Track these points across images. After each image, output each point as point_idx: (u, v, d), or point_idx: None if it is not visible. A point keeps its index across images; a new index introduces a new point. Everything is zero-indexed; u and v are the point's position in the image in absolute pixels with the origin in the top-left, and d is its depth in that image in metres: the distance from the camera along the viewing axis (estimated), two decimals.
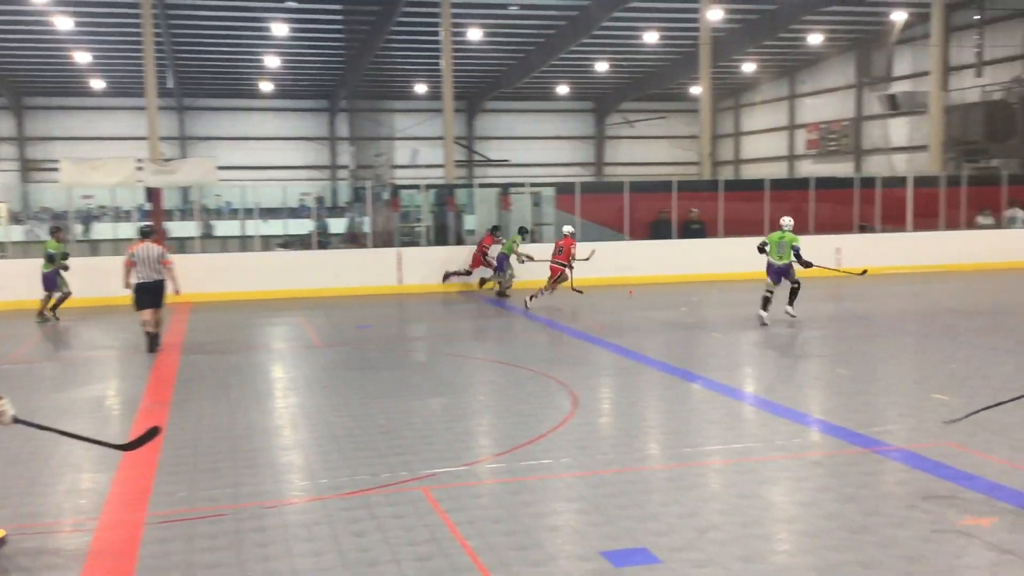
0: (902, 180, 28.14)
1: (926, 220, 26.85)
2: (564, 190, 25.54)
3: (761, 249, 17.47)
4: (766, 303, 17.21)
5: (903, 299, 21.19)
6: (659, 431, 9.72)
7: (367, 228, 25.22)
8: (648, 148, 52.74)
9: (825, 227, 26.24)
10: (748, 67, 44.67)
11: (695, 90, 44.18)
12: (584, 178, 46.11)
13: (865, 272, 19.57)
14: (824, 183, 27.37)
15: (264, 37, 36.81)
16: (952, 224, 27.16)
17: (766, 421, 9.81)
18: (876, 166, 40.91)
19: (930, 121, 31.07)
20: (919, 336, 15.82)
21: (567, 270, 19.95)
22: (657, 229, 25.75)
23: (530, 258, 22.05)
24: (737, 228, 25.71)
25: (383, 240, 24.94)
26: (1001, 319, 17.43)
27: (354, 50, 40.13)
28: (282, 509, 7.40)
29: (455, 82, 31.07)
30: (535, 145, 51.34)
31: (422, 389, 11.80)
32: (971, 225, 27.49)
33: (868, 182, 27.43)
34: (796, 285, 17.57)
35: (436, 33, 31.25)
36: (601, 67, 43.68)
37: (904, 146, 39.99)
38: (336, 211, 36.23)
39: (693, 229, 25.50)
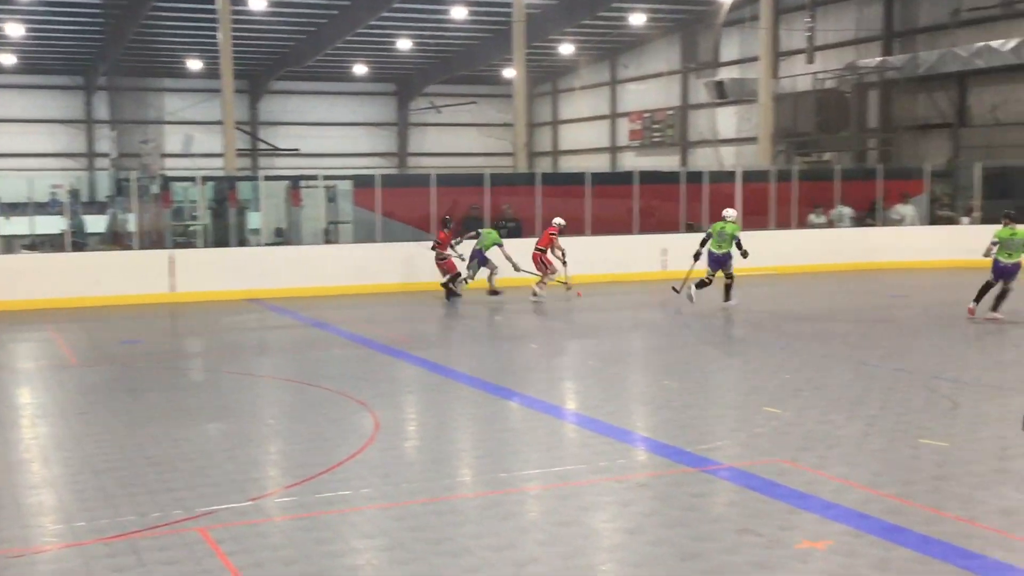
0: (731, 175, 29.32)
1: (756, 218, 27.99)
2: (363, 183, 25.44)
3: (704, 242, 20.00)
4: (702, 285, 20.10)
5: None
6: (471, 455, 9.80)
7: (132, 227, 24.45)
8: (457, 137, 53.16)
9: (651, 226, 27.03)
10: (566, 48, 45.58)
11: (509, 73, 44.87)
12: (386, 170, 46.05)
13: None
14: (649, 177, 28.22)
15: (5, 1, 35.20)
16: (783, 223, 28.41)
17: (588, 441, 10.03)
18: (703, 159, 42.48)
19: (759, 111, 32.49)
20: (749, 344, 16.50)
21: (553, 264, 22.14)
22: (467, 227, 25.93)
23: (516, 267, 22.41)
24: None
25: (152, 241, 24.22)
26: (833, 324, 18.37)
27: (115, 17, 38.82)
28: (31, 559, 7.09)
29: (236, 58, 30.49)
30: (330, 132, 50.96)
31: (199, 413, 11.53)
32: (803, 224, 28.82)
33: (695, 176, 28.43)
34: (730, 280, 20.12)
35: (212, 0, 30.59)
36: (404, 45, 43.72)
37: (732, 138, 41.69)
38: (95, 207, 34.96)
39: (507, 227, 25.83)
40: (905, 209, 29.44)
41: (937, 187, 30.56)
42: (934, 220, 29.75)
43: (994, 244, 18.01)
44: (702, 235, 20.56)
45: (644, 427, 10.73)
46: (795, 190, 28.78)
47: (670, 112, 44.94)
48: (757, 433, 10.10)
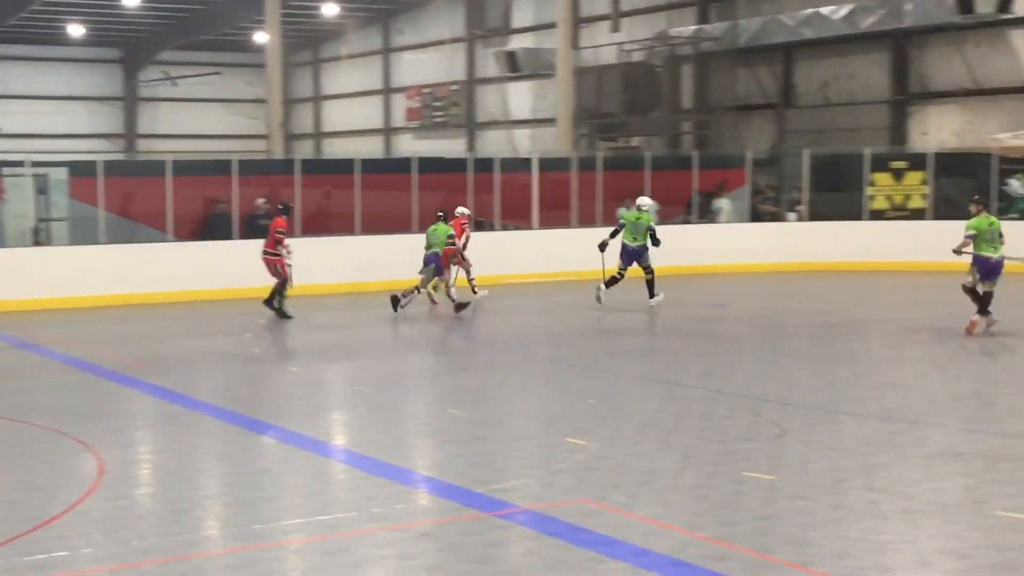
0: (526, 162, 29.75)
1: (556, 214, 28.47)
2: (82, 171, 24.71)
3: (614, 233, 21.45)
4: (612, 283, 21.47)
5: (528, 316, 22.42)
6: (218, 503, 9.64)
7: None
8: (198, 115, 52.27)
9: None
10: (330, 9, 45.35)
11: (260, 38, 44.35)
12: (111, 155, 44.88)
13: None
14: (430, 165, 28.35)
15: None
16: (587, 219, 28.92)
17: (360, 482, 10.02)
18: (494, 144, 42.94)
19: (557, 87, 33.08)
20: (548, 363, 16.80)
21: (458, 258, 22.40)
22: (213, 226, 25.49)
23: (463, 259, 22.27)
24: (320, 223, 26.05)
25: None
26: (644, 339, 18.89)
27: None
28: None
29: None
30: (40, 107, 49.36)
31: None
32: (610, 220, 29.37)
33: (484, 164, 28.71)
34: (649, 275, 21.45)
35: None
36: (129, 1, 42.69)
37: (527, 119, 42.35)
38: None
39: (261, 225, 25.54)
40: (721, 203, 30.44)
41: (760, 177, 31.72)
42: (756, 216, 30.85)
43: (970, 237, 18.36)
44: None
45: (426, 465, 10.78)
46: (600, 181, 29.34)
47: (454, 88, 45.32)
48: (558, 469, 10.28)
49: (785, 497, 9.28)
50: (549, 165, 29.57)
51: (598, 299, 21.32)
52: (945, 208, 29.32)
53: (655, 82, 36.18)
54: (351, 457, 11.00)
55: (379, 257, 25.51)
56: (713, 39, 35.41)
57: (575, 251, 27.42)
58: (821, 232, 29.53)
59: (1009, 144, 30.56)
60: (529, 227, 28.57)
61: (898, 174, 30.28)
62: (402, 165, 28.28)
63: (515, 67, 39.44)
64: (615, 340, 18.77)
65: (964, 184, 30.19)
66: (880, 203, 30.05)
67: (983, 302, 18.02)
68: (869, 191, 29.94)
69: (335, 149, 50.57)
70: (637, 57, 36.75)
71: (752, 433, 11.55)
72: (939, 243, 28.80)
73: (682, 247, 26.94)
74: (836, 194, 30.64)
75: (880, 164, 30.31)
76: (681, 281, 26.87)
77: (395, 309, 20.56)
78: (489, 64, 42.77)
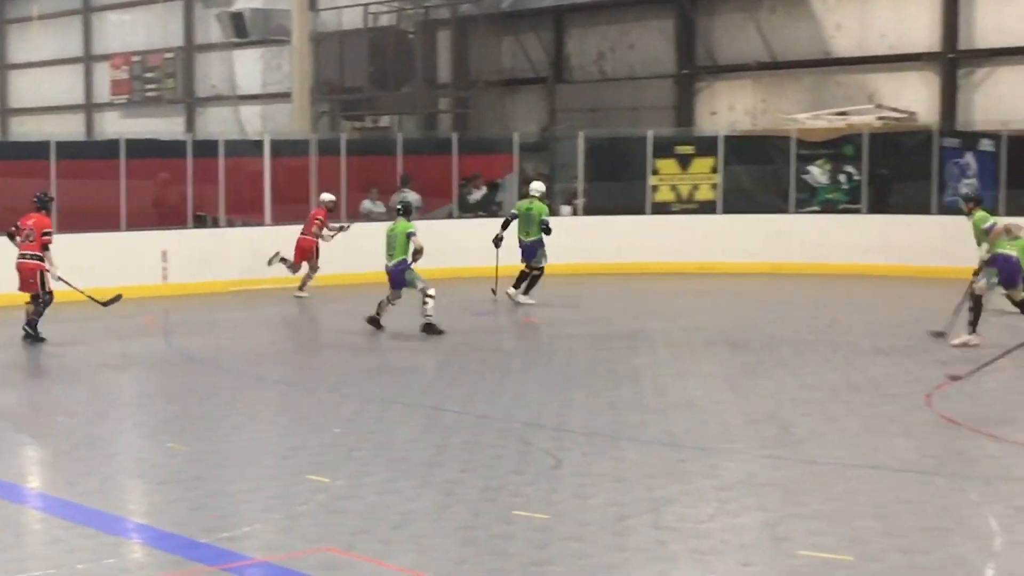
0: (256, 144, 29.40)
1: (291, 207, 28.18)
2: None
3: (505, 224, 22.67)
4: (525, 279, 22.86)
5: (257, 330, 22.30)
6: None
7: None
8: None
9: (141, 217, 26.57)
10: None
11: None
12: None
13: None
14: (141, 148, 27.78)
15: None
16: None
17: (60, 533, 9.81)
18: (218, 123, 42.42)
19: (292, 56, 32.86)
20: (283, 386, 16.75)
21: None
22: None
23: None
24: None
25: None
26: (393, 355, 18.98)
27: None
28: None
29: None
30: None
31: None
32: (354, 213, 29.22)
33: (206, 147, 28.26)
34: (538, 272, 22.87)
35: None
36: None
37: (257, 93, 41.98)
38: None
39: None
40: (476, 196, 30.61)
41: (530, 164, 32.05)
42: None
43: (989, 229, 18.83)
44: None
45: (140, 510, 10.62)
46: (344, 167, 29.16)
47: (169, 56, 44.65)
48: (299, 512, 10.25)
49: (560, 538, 9.45)
50: (284, 149, 29.33)
51: (515, 302, 22.45)
52: (737, 201, 30.21)
53: (407, 51, 36.19)
54: (48, 503, 10.77)
55: (79, 259, 24.89)
56: (473, 1, 35.59)
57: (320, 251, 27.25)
58: (600, 228, 29.91)
59: (809, 125, 31.55)
60: (261, 223, 28.18)
61: (684, 160, 30.98)
62: (107, 149, 27.64)
63: (242, 31, 38.87)
64: (363, 357, 18.79)
65: (758, 172, 31.18)
66: (665, 194, 30.70)
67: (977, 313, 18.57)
68: (652, 180, 30.57)
69: (26, 130, 49.13)
70: (386, 22, 36.71)
71: (523, 465, 11.72)
72: (730, 242, 29.94)
73: (445, 246, 26.93)
74: (616, 184, 31.19)
75: (664, 149, 30.95)
76: (443, 286, 26.92)
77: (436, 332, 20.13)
78: (211, 28, 42.21)
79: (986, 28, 30.56)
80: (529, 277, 23.39)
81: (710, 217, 30.22)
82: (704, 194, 30.61)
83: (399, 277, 20.20)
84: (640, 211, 30.11)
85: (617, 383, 16.05)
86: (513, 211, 23.21)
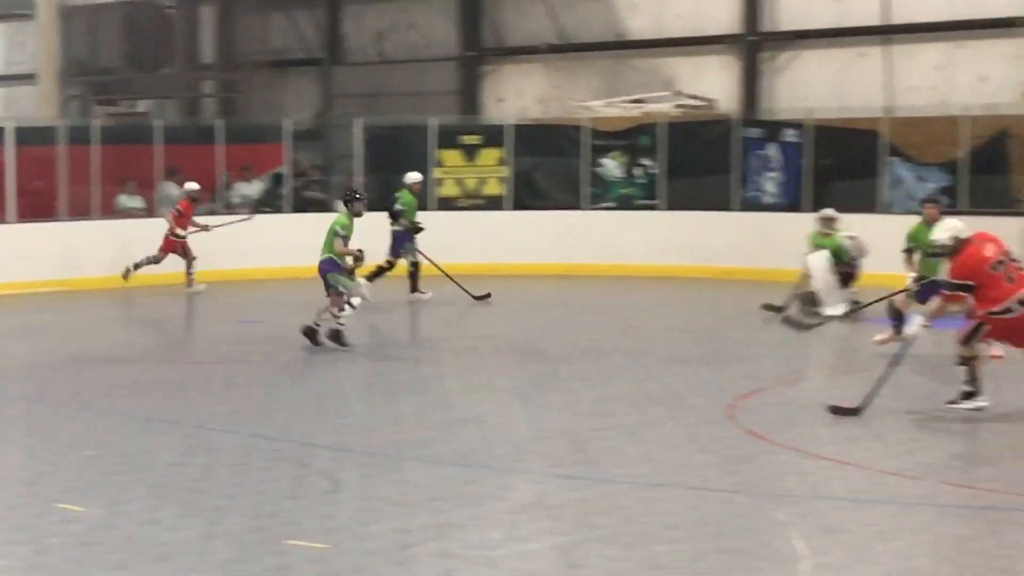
0: None
1: (39, 202, 27.61)
2: None
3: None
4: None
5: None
6: None
7: None
8: None
9: None
10: None
11: None
12: None
13: None
14: None
15: None
16: (79, 209, 28.12)
17: None
18: None
19: (38, 33, 32.20)
20: (30, 403, 16.47)
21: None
22: None
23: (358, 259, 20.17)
24: None
25: None
26: (151, 370, 18.75)
27: None
28: None
29: None
30: None
31: None
32: (110, 211, 28.69)
33: None
34: (387, 266, 23.99)
35: None
36: None
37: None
38: None
39: None
40: (253, 189, 30.37)
41: (303, 154, 31.88)
42: (299, 206, 30.97)
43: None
44: None
45: None
46: (97, 157, 28.65)
47: None
48: (48, 546, 10.03)
49: (339, 569, 9.45)
50: (28, 136, 28.68)
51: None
52: (527, 196, 30.44)
53: (166, 29, 35.78)
54: None
55: None
56: None
57: (59, 250, 26.72)
58: (380, 226, 29.47)
59: (602, 114, 31.92)
60: (3, 220, 27.55)
61: (470, 151, 31.10)
62: None
63: None
64: (121, 370, 18.52)
65: (549, 165, 31.45)
66: (450, 189, 30.79)
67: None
68: (436, 173, 30.61)
69: None
70: None
71: (298, 489, 11.68)
72: (519, 240, 30.11)
73: (213, 246, 26.62)
74: (397, 177, 31.11)
75: (449, 138, 31.05)
76: (215, 290, 26.67)
77: (314, 341, 19.65)
78: None
79: (790, 8, 31.30)
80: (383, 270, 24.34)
81: (498, 213, 30.40)
82: (492, 188, 30.76)
83: (324, 277, 19.86)
84: (423, 207, 30.09)
85: (400, 397, 16.09)
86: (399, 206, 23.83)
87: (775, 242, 27.24)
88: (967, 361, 14.76)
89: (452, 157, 30.79)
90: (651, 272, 28.47)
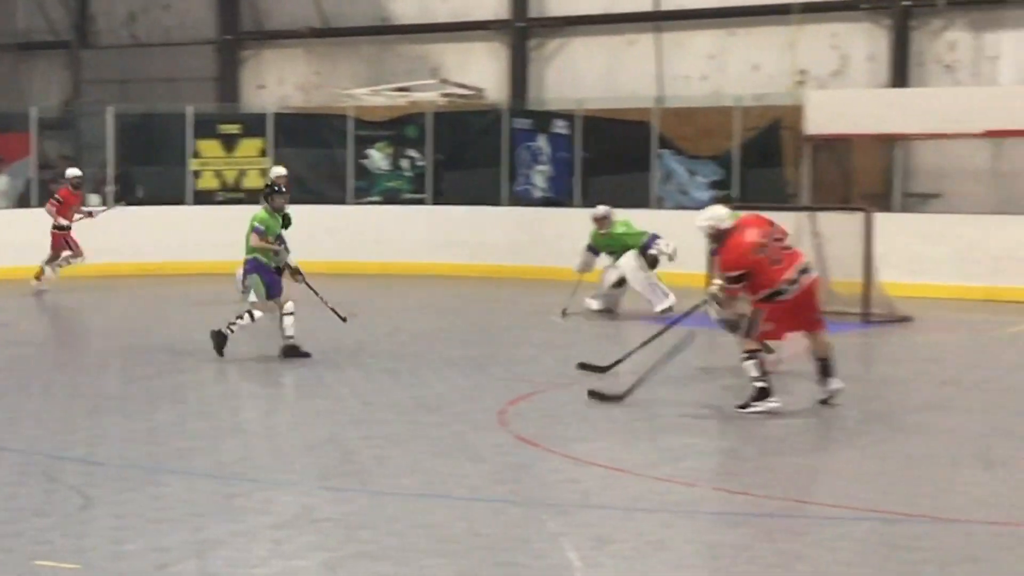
0: None
1: None
2: None
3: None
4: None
5: None
6: None
7: None
8: None
9: None
10: None
11: None
12: None
13: None
14: None
15: None
16: None
17: None
18: None
19: None
20: None
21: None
22: None
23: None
24: None
25: None
26: None
27: None
28: None
29: None
30: None
31: None
32: None
33: None
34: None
35: None
36: None
37: None
38: None
39: None
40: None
41: (51, 144, 31.38)
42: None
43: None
44: None
45: None
46: None
47: None
48: None
49: None
50: None
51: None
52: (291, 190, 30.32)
53: None
54: None
55: None
56: None
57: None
58: (134, 221, 29.30)
59: (367, 102, 31.96)
60: None
61: (229, 142, 30.87)
62: None
63: None
64: None
65: (313, 156, 31.37)
66: (208, 181, 30.54)
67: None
68: (193, 165, 30.34)
69: None
70: None
71: (47, 506, 11.46)
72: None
73: None
74: (153, 169, 30.88)
75: (207, 128, 30.82)
76: None
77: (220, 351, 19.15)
78: None
79: None
80: None
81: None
82: (252, 181, 30.53)
83: (244, 276, 19.72)
84: (180, 201, 29.86)
85: (157, 405, 15.95)
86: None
87: (544, 238, 27.57)
88: (752, 355, 15.12)
89: (210, 148, 30.56)
90: (419, 270, 28.63)
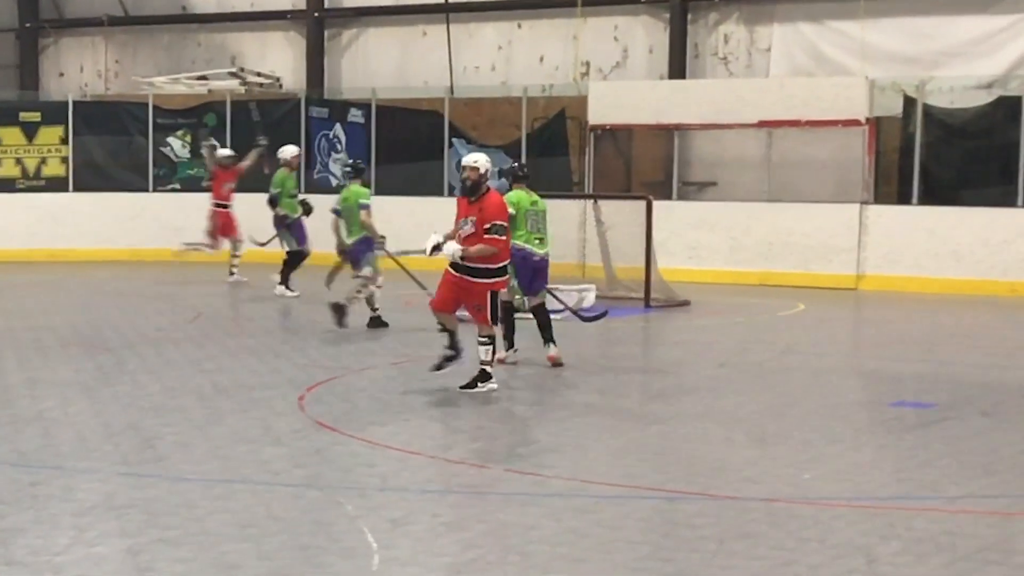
0: None
1: None
2: None
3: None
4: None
5: None
6: None
7: None
8: None
9: None
10: None
11: None
12: None
13: None
14: None
15: None
16: None
17: None
18: None
19: None
20: None
21: None
22: None
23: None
24: None
25: None
26: None
27: None
28: None
29: None
30: None
31: None
32: None
33: None
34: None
35: None
36: None
37: None
38: None
39: None
40: None
41: None
42: None
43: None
44: None
45: None
46: None
47: None
48: None
49: None
50: None
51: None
52: (90, 177, 29.97)
53: None
54: None
55: None
56: None
57: None
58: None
59: (167, 91, 31.70)
60: None
61: (30, 129, 30.42)
62: None
63: None
64: None
65: (113, 144, 31.05)
66: (9, 169, 30.06)
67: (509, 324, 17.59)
68: None
69: None
70: None
71: None
72: (83, 224, 29.60)
73: None
74: None
75: (8, 115, 30.36)
76: None
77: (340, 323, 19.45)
78: None
79: None
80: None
81: (60, 196, 29.85)
82: (53, 169, 30.16)
83: (359, 257, 19.67)
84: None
85: None
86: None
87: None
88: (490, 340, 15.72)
89: (11, 135, 30.06)
90: (221, 256, 28.33)
